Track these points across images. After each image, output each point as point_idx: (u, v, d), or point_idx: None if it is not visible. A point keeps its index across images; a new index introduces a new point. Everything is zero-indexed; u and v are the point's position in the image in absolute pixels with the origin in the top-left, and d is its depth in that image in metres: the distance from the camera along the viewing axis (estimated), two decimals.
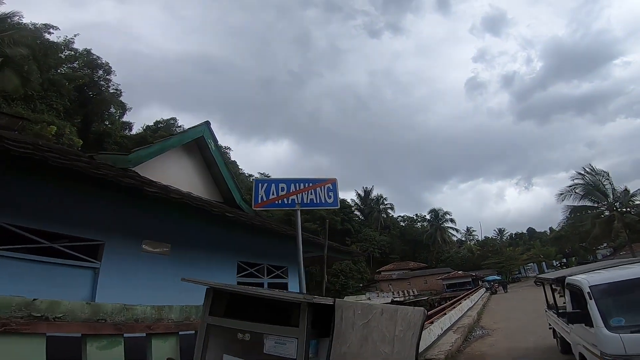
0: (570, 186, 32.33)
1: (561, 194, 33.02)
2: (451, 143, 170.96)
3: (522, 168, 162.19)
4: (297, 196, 4.20)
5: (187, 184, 6.92)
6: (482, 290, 34.74)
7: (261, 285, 6.38)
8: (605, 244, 42.41)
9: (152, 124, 44.68)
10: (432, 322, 9.37)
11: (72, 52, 36.15)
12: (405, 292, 51.63)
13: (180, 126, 42.96)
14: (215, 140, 7.80)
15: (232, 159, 53.51)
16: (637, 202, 29.85)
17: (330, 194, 4.26)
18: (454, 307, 14.65)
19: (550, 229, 67.52)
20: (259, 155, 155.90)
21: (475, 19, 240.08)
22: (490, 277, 48.16)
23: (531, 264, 58.11)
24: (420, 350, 8.18)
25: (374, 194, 75.01)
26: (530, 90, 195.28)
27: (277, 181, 4.38)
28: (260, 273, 6.39)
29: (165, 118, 46.28)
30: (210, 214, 4.21)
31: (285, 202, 4.17)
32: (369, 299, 48.71)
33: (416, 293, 51.03)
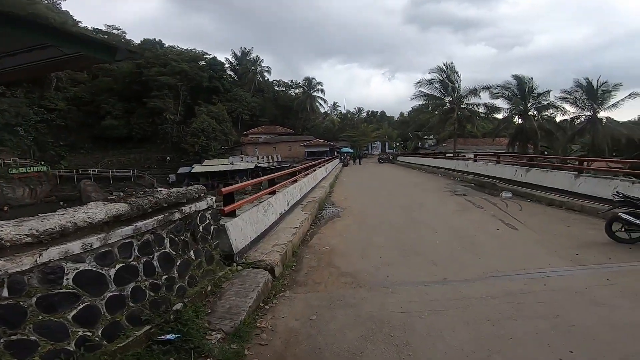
0: (431, 80, 35.60)
1: (419, 82, 36.22)
2: (342, 28, 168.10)
3: (391, 63, 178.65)
4: None
5: None
6: (337, 160, 37.11)
7: None
8: (432, 135, 51.22)
9: None
10: (274, 192, 7.26)
11: None
12: (270, 157, 51.83)
13: None
14: None
15: (64, 9, 42.37)
16: (473, 102, 35.29)
17: None
18: (308, 174, 13.27)
19: (401, 113, 77.87)
20: (114, 7, 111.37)
21: None
22: (345, 149, 51.30)
23: (378, 142, 65.86)
24: (249, 241, 4.33)
25: (253, 55, 67.40)
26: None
27: None
28: None
29: None
30: None
31: None
32: (232, 163, 46.74)
33: (280, 159, 51.84)
